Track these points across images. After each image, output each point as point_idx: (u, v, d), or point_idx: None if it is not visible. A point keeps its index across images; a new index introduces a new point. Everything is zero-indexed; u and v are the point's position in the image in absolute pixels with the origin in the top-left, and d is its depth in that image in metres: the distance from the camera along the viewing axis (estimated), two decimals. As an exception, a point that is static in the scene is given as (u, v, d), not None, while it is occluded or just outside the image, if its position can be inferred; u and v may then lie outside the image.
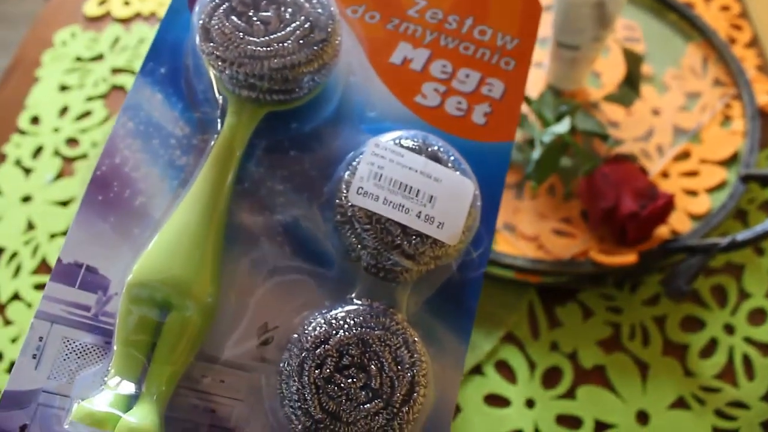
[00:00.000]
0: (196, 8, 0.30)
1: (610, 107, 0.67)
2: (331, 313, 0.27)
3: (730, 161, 0.63)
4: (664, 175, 0.63)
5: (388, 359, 0.27)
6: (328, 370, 0.26)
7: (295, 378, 0.26)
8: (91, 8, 0.76)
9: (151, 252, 0.28)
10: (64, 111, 0.67)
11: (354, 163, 0.29)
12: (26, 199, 0.61)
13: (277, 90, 0.29)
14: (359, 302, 0.28)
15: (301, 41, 0.29)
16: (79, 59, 0.71)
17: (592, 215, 0.57)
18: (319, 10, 0.29)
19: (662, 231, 0.57)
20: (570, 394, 0.52)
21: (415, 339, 0.27)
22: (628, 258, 0.54)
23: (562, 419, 0.50)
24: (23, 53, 0.73)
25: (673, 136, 0.65)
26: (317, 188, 0.31)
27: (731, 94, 0.68)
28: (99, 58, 0.71)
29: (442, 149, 0.30)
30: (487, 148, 0.31)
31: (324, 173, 0.31)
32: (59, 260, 0.28)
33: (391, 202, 0.28)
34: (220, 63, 0.29)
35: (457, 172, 0.29)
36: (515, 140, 0.62)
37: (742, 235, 0.51)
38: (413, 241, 0.28)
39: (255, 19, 0.29)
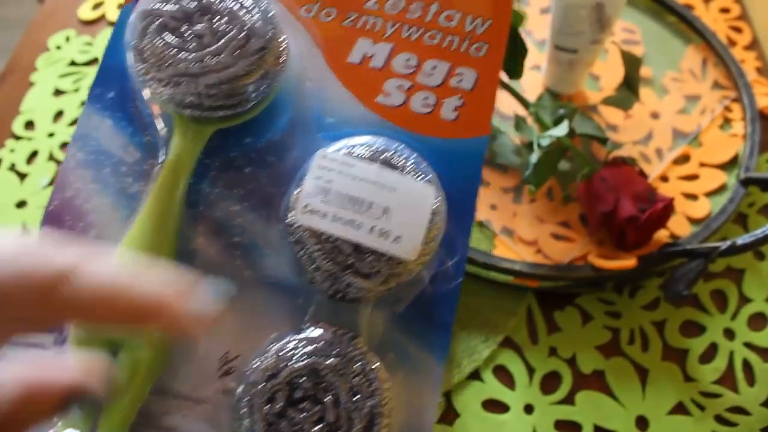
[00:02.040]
0: (128, 30, 0.28)
1: (608, 110, 0.67)
2: (281, 343, 0.26)
3: (729, 164, 0.63)
4: (664, 178, 0.62)
5: (344, 390, 0.25)
6: (279, 405, 0.25)
7: (246, 415, 0.25)
8: (86, 12, 0.76)
9: None
10: (58, 115, 0.66)
11: (305, 177, 0.27)
12: (21, 204, 0.61)
13: (221, 106, 0.28)
14: (313, 328, 0.26)
15: (236, 53, 0.27)
16: (73, 63, 0.71)
17: (590, 219, 0.57)
18: (256, 17, 0.28)
19: (661, 235, 0.57)
20: (569, 400, 0.51)
21: (374, 366, 0.26)
22: (628, 262, 0.53)
23: (561, 425, 0.50)
24: (17, 58, 0.72)
25: (672, 139, 0.65)
26: (276, 205, 0.29)
27: (731, 97, 0.68)
28: (94, 62, 0.71)
29: (398, 154, 0.27)
30: (459, 146, 0.29)
31: (282, 189, 0.29)
32: None
33: (340, 218, 0.26)
34: (155, 84, 0.27)
35: (416, 178, 0.27)
36: (516, 143, 0.62)
37: (742, 239, 0.51)
38: (367, 259, 0.26)
39: (188, 34, 0.27)
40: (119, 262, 0.22)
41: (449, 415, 0.50)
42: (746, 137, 0.63)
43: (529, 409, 0.51)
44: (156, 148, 0.29)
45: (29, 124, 0.66)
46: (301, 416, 0.25)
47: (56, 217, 0.29)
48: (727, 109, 0.67)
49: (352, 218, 0.26)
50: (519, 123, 0.62)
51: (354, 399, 0.25)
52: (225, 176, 0.29)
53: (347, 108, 0.30)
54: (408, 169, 0.27)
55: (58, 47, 0.72)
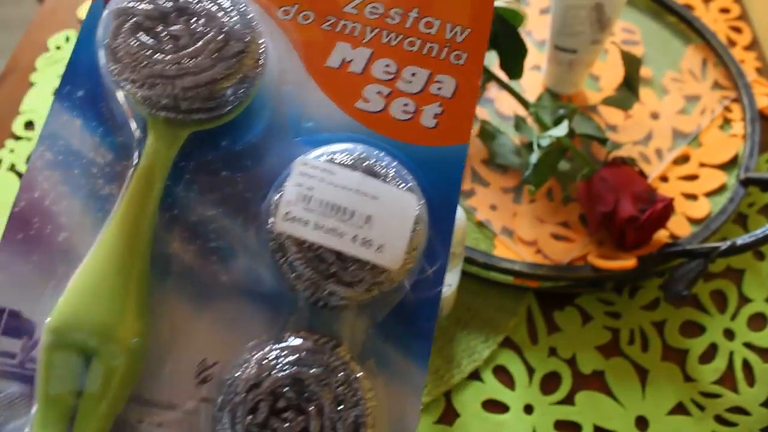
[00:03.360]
0: (100, 28, 0.27)
1: (608, 111, 0.67)
2: (262, 352, 0.25)
3: (729, 165, 0.63)
4: (663, 178, 0.62)
5: (328, 400, 0.25)
6: (262, 416, 0.24)
7: (228, 426, 0.25)
8: (85, 12, 0.76)
9: (69, 294, 0.26)
10: (58, 115, 0.66)
11: (285, 183, 0.27)
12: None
13: (197, 109, 0.27)
14: (295, 337, 0.26)
15: (215, 55, 0.26)
16: (74, 63, 0.71)
17: (590, 219, 0.57)
18: (235, 19, 0.27)
19: (661, 235, 0.57)
20: (569, 400, 0.51)
21: (357, 375, 0.25)
22: (627, 262, 0.53)
23: (561, 425, 0.50)
24: (17, 58, 0.72)
25: (672, 139, 0.65)
26: (252, 211, 0.28)
27: (731, 97, 0.68)
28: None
29: (379, 162, 0.27)
30: (439, 153, 0.29)
31: (259, 194, 0.28)
32: None
33: (322, 226, 0.26)
34: (129, 85, 0.26)
35: (398, 187, 0.27)
36: (516, 143, 0.62)
37: (741, 240, 0.51)
38: (350, 268, 0.26)
39: (164, 34, 0.26)
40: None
41: (449, 415, 0.50)
42: (746, 137, 0.63)
43: (528, 409, 0.51)
44: (129, 150, 0.28)
45: (29, 124, 0.66)
46: (285, 426, 0.24)
47: (23, 219, 0.28)
48: (727, 109, 0.67)
49: (334, 226, 0.26)
50: (519, 123, 0.62)
51: (338, 409, 0.25)
52: (200, 180, 0.28)
53: (326, 113, 0.29)
54: (390, 177, 0.27)
55: (58, 47, 0.72)
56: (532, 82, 0.69)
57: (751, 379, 0.52)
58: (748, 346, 0.54)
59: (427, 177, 0.28)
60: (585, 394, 0.51)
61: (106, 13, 0.27)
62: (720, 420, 0.50)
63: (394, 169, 0.27)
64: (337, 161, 0.27)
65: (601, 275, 0.54)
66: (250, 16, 0.28)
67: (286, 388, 0.25)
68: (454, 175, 0.28)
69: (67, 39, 0.73)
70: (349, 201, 0.26)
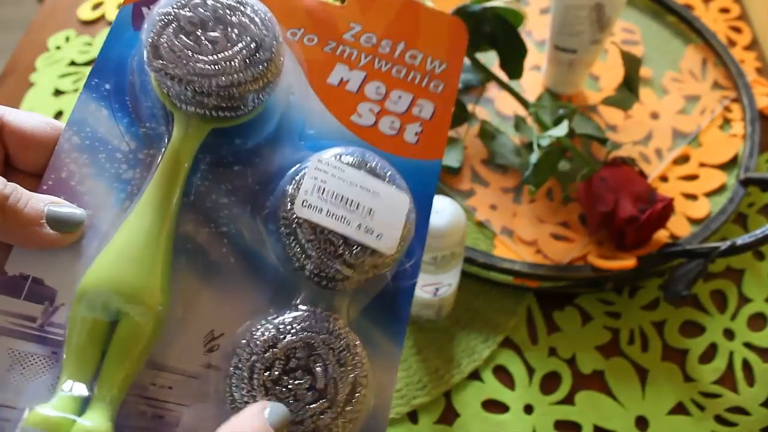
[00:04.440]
0: (145, 26, 0.30)
1: (608, 111, 0.67)
2: (278, 319, 0.29)
3: (729, 165, 0.63)
4: (663, 178, 0.62)
5: (333, 361, 0.29)
6: (276, 373, 0.28)
7: (246, 381, 0.28)
8: (86, 12, 0.76)
9: (102, 260, 0.28)
10: (58, 116, 0.66)
11: (297, 178, 0.30)
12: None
13: (223, 107, 0.30)
14: (304, 308, 0.30)
15: (247, 60, 0.30)
16: (73, 63, 0.71)
17: (590, 219, 0.57)
18: (265, 32, 0.31)
19: (661, 235, 0.57)
20: (569, 400, 0.51)
21: (357, 342, 0.29)
22: (627, 262, 0.53)
23: (561, 425, 0.50)
24: (17, 58, 0.72)
25: (672, 139, 0.65)
26: (260, 201, 0.32)
27: (731, 97, 0.68)
28: (93, 62, 0.71)
29: (379, 165, 0.31)
30: (418, 166, 0.34)
31: (266, 187, 0.32)
32: (4, 272, 0.29)
33: (333, 214, 0.30)
34: (169, 80, 0.29)
35: (394, 187, 0.31)
36: (516, 143, 0.62)
37: (741, 240, 0.51)
38: (354, 251, 0.30)
39: (203, 38, 0.30)
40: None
41: (449, 415, 0.50)
42: (746, 137, 0.63)
43: (528, 409, 0.51)
44: (151, 140, 0.31)
45: (29, 124, 0.66)
46: (295, 383, 0.28)
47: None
48: (727, 109, 0.67)
49: (343, 215, 0.30)
50: (519, 123, 0.62)
51: (341, 370, 0.29)
52: (215, 171, 0.32)
53: (326, 123, 0.34)
54: (387, 178, 0.31)
55: (58, 47, 0.72)
56: (532, 82, 0.69)
57: (751, 379, 0.52)
58: (748, 346, 0.54)
59: (408, 185, 0.32)
60: (585, 394, 0.51)
61: (151, 14, 0.30)
62: (720, 420, 0.50)
63: (390, 172, 0.31)
64: (346, 161, 0.31)
65: (601, 275, 0.54)
66: (277, 31, 0.31)
67: (298, 350, 0.28)
68: (430, 185, 0.33)
69: (67, 39, 0.73)
70: (355, 195, 0.30)
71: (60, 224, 0.29)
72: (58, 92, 0.68)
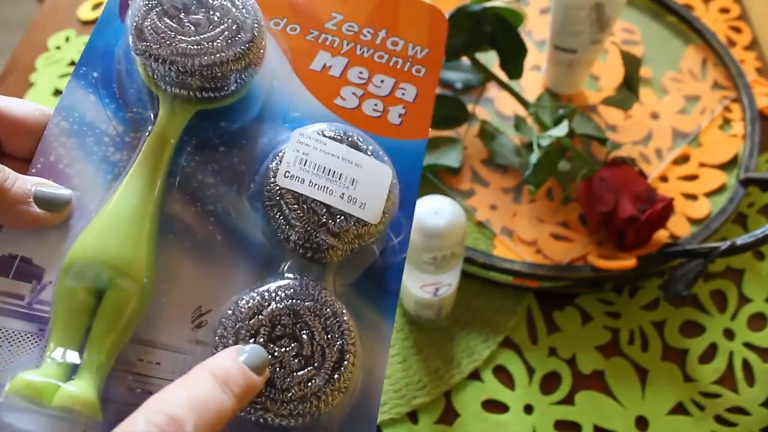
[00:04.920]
0: (129, 11, 0.32)
1: (608, 111, 0.67)
2: (263, 287, 0.29)
3: (729, 165, 0.63)
4: (663, 178, 0.62)
5: (319, 328, 0.29)
6: (261, 340, 0.28)
7: (231, 345, 0.28)
8: (85, 12, 0.76)
9: (88, 232, 0.29)
10: (58, 115, 0.66)
11: (279, 154, 0.31)
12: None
13: (207, 87, 0.31)
14: (290, 276, 0.30)
15: (229, 40, 0.31)
16: (73, 63, 0.71)
17: (590, 219, 0.57)
18: (246, 14, 0.32)
19: (661, 235, 0.57)
20: (568, 400, 0.51)
21: (344, 310, 0.29)
22: (627, 262, 0.53)
23: (561, 425, 0.50)
24: (17, 58, 0.72)
25: (672, 139, 0.65)
26: (245, 181, 0.32)
27: (730, 97, 0.68)
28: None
29: (361, 139, 0.32)
30: (403, 145, 0.34)
31: (251, 167, 0.33)
32: None
33: (316, 184, 0.30)
34: (153, 61, 0.30)
35: (376, 159, 0.32)
36: (516, 143, 0.62)
37: (741, 240, 0.51)
38: (338, 220, 0.30)
39: (186, 21, 0.31)
40: None
41: (449, 415, 0.50)
42: (746, 137, 0.63)
43: (528, 409, 0.51)
44: (137, 124, 0.33)
45: (29, 124, 0.66)
46: (281, 350, 0.28)
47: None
48: (727, 109, 0.67)
49: (325, 185, 0.31)
50: (519, 123, 0.62)
51: (327, 337, 0.29)
52: (201, 153, 0.33)
53: (310, 106, 0.35)
54: (369, 151, 0.32)
55: (58, 47, 0.72)
56: (532, 82, 0.69)
57: (751, 379, 0.52)
58: (748, 346, 0.54)
59: (395, 163, 0.33)
60: (585, 394, 0.51)
61: (136, 0, 0.32)
62: (720, 420, 0.50)
63: (371, 146, 0.32)
64: (327, 135, 0.32)
65: (601, 275, 0.54)
66: (258, 15, 0.32)
67: (284, 317, 0.28)
68: (416, 163, 0.34)
69: (67, 39, 0.73)
70: (337, 166, 0.31)
71: (47, 203, 0.29)
72: (58, 92, 0.68)
